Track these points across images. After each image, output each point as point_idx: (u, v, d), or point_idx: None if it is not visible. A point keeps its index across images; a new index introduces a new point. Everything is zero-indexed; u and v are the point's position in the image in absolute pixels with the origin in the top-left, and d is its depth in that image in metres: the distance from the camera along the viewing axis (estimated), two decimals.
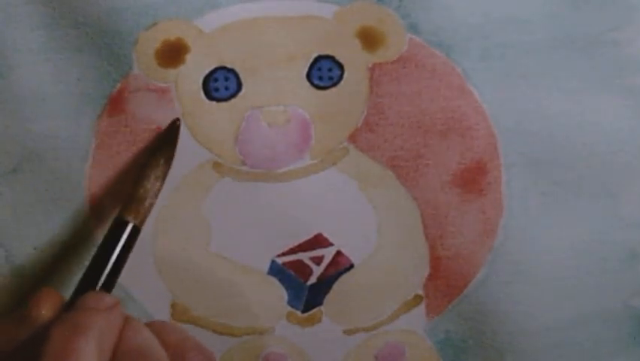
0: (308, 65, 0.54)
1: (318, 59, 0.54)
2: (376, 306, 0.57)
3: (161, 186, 0.53)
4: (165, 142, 0.53)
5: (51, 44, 0.52)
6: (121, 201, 0.54)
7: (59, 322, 0.46)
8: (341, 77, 0.54)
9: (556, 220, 0.57)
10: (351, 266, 0.56)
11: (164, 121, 0.54)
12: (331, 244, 0.56)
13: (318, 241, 0.56)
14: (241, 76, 0.54)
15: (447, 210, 0.56)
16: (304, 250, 0.56)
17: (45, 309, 0.49)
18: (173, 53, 0.53)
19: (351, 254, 0.56)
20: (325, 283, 0.56)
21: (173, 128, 0.53)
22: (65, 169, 0.54)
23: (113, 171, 0.54)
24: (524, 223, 0.56)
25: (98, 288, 0.50)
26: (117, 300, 0.49)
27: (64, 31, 0.52)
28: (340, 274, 0.56)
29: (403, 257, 0.56)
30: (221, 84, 0.54)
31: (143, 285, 0.55)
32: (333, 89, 0.54)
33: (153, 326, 0.49)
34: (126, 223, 0.51)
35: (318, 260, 0.56)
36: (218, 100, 0.54)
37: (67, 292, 0.54)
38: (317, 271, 0.56)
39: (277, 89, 0.54)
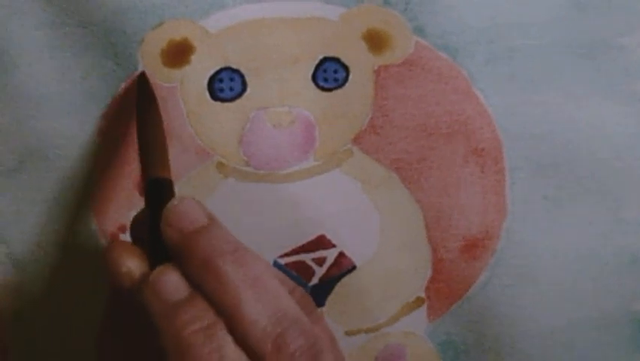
0: (313, 66, 0.54)
1: (324, 60, 0.54)
2: (378, 308, 0.57)
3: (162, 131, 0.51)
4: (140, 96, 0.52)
5: (56, 43, 0.52)
6: (124, 200, 0.54)
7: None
8: (346, 79, 0.54)
9: (558, 224, 0.57)
10: (354, 268, 0.56)
11: (169, 121, 0.53)
12: (334, 246, 0.56)
13: (321, 243, 0.56)
14: (246, 77, 0.54)
15: (450, 213, 0.56)
16: (306, 251, 0.56)
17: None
18: (178, 53, 0.53)
19: (354, 256, 0.56)
20: (327, 284, 0.56)
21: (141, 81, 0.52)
22: (68, 167, 0.54)
23: (117, 170, 0.54)
24: (527, 227, 0.56)
25: None
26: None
27: (69, 29, 0.52)
28: (342, 275, 0.56)
29: (405, 259, 0.56)
30: (226, 85, 0.54)
31: None
32: (339, 91, 0.54)
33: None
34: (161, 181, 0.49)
35: (320, 261, 0.56)
36: (223, 100, 0.54)
37: (68, 292, 0.55)
38: (319, 272, 0.56)
39: (282, 90, 0.54)
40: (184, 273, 0.46)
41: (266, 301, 0.45)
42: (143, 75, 0.53)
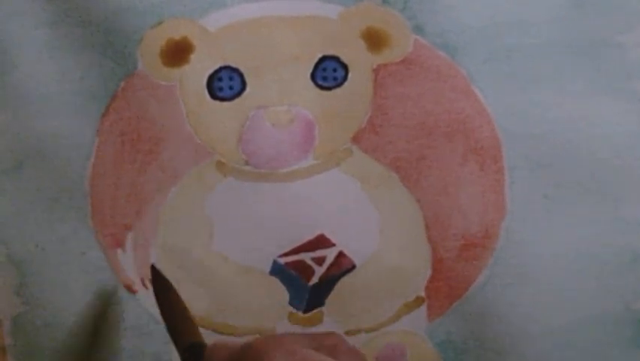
0: (312, 65, 0.54)
1: (323, 59, 0.54)
2: (378, 307, 0.57)
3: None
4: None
5: (55, 42, 0.52)
6: (123, 199, 0.54)
7: None
8: (345, 78, 0.54)
9: (558, 223, 0.57)
10: (353, 267, 0.56)
11: (168, 120, 0.53)
12: (333, 245, 0.56)
13: (320, 242, 0.56)
14: (245, 75, 0.54)
15: (449, 212, 0.56)
16: (306, 251, 0.56)
17: None
18: (177, 52, 0.53)
19: (354, 255, 0.56)
20: (327, 283, 0.56)
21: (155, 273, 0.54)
22: (68, 167, 0.54)
23: (116, 170, 0.54)
24: (526, 226, 0.56)
25: None
26: None
27: (68, 29, 0.52)
28: (342, 274, 0.56)
29: (405, 259, 0.56)
30: (225, 84, 0.54)
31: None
32: (338, 90, 0.54)
33: None
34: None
35: (320, 261, 0.56)
36: (223, 99, 0.54)
37: (68, 290, 0.54)
38: (319, 271, 0.56)
39: (281, 89, 0.54)
40: None
41: None
42: (153, 268, 0.53)
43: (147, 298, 0.56)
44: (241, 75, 0.54)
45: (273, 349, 0.47)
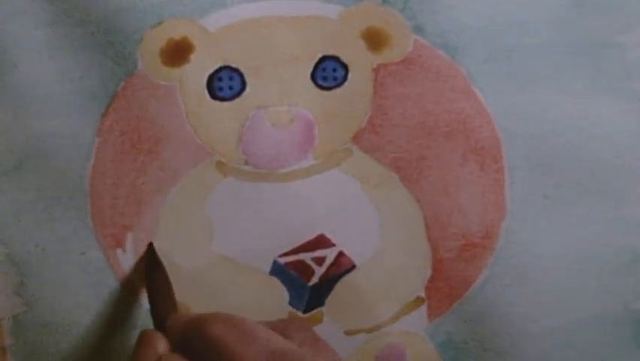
0: (312, 65, 0.54)
1: (323, 59, 0.54)
2: (378, 307, 0.57)
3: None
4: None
5: (55, 42, 0.52)
6: (122, 200, 0.54)
7: None
8: (345, 78, 0.54)
9: (558, 223, 0.57)
10: (353, 267, 0.56)
11: (168, 120, 0.53)
12: (333, 245, 0.56)
13: (320, 242, 0.56)
14: (245, 75, 0.54)
15: (449, 212, 0.56)
16: (306, 251, 0.56)
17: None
18: (177, 52, 0.53)
19: (354, 255, 0.56)
20: (327, 283, 0.56)
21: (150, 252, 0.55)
22: (68, 167, 0.54)
23: (116, 170, 0.54)
24: (526, 226, 0.56)
25: None
26: None
27: (68, 29, 0.52)
28: (342, 274, 0.56)
29: (405, 259, 0.56)
30: (225, 84, 0.54)
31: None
32: (338, 90, 0.54)
33: None
34: None
35: (319, 261, 0.56)
36: (223, 99, 0.54)
37: (68, 290, 0.54)
38: (319, 271, 0.56)
39: (281, 89, 0.54)
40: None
41: (259, 345, 0.48)
42: (150, 245, 0.55)
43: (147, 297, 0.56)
44: (241, 75, 0.54)
45: (216, 319, 0.49)
